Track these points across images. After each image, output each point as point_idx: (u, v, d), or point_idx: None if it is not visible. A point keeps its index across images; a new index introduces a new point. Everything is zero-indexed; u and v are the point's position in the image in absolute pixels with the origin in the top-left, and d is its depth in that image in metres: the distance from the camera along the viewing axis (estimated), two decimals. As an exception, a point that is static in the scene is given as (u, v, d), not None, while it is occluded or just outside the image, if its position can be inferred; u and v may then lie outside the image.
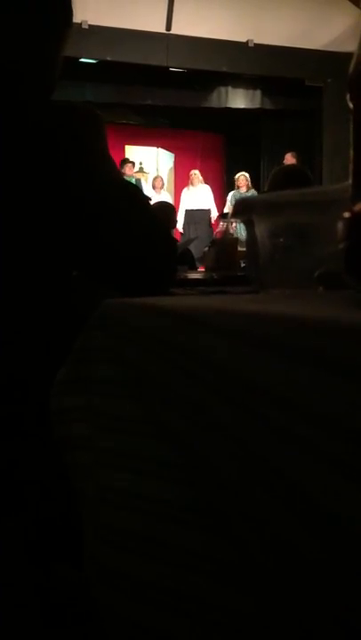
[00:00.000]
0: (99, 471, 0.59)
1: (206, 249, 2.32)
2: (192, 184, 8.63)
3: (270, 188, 2.29)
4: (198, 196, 8.59)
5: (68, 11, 0.98)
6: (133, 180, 8.11)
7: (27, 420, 0.84)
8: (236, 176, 8.42)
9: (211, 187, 8.82)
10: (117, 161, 8.29)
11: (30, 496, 0.83)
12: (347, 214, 0.50)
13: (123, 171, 8.09)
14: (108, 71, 7.58)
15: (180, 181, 9.27)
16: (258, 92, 8.49)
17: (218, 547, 0.44)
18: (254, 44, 7.64)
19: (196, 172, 8.65)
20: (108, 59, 7.35)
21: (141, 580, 0.51)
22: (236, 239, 1.96)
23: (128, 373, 0.58)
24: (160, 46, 7.36)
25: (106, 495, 0.57)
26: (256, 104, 8.57)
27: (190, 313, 0.48)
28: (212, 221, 8.49)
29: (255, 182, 8.71)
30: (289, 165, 6.47)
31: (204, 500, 0.45)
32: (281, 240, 0.73)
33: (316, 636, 0.31)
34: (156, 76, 7.77)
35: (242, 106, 8.56)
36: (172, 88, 8.14)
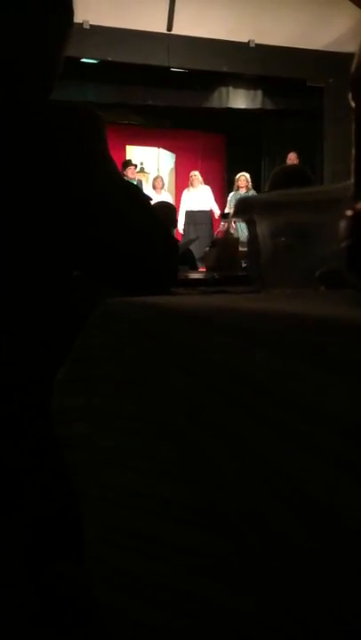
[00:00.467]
0: (99, 470, 0.59)
1: (207, 249, 2.32)
2: (192, 185, 8.63)
3: (271, 188, 2.29)
4: (199, 196, 8.59)
5: (68, 10, 0.98)
6: (135, 182, 8.11)
7: (27, 420, 0.84)
8: (237, 176, 8.42)
9: (211, 187, 8.82)
10: (119, 162, 8.30)
11: (30, 495, 0.83)
12: (348, 213, 0.50)
13: (125, 173, 8.09)
14: (109, 71, 7.58)
15: (181, 182, 9.27)
16: (259, 93, 8.49)
17: (218, 545, 0.44)
18: (255, 44, 7.63)
19: (196, 173, 8.64)
20: (110, 59, 7.35)
21: (142, 579, 0.51)
22: (237, 239, 1.96)
23: (128, 372, 0.58)
24: (161, 46, 7.36)
25: (106, 494, 0.57)
26: (257, 104, 8.57)
27: (191, 312, 0.48)
28: (213, 222, 8.49)
29: (256, 183, 8.71)
30: (290, 165, 6.48)
31: (203, 498, 0.45)
32: (282, 239, 0.73)
33: (316, 634, 0.31)
34: (158, 77, 7.77)
35: (243, 106, 8.56)
36: (173, 88, 8.14)
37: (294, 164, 7.05)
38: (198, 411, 0.44)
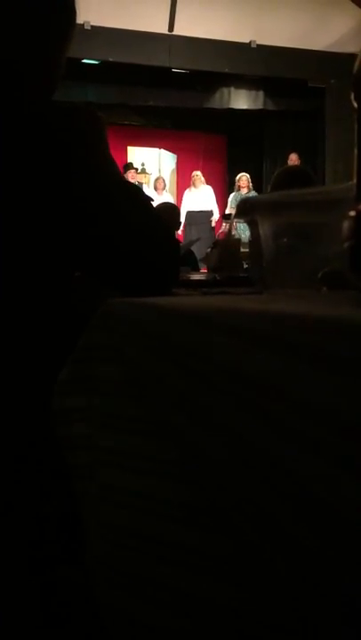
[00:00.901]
0: (99, 470, 0.59)
1: (209, 250, 2.32)
2: (194, 185, 8.62)
3: (273, 189, 2.29)
4: (200, 197, 8.59)
5: (70, 10, 0.98)
6: (136, 184, 8.12)
7: (28, 421, 0.83)
8: (238, 177, 8.41)
9: (213, 187, 8.81)
10: (120, 163, 8.30)
11: (31, 495, 0.83)
12: (350, 214, 0.50)
13: (126, 176, 8.10)
14: (110, 72, 7.58)
15: (183, 182, 9.27)
16: (260, 93, 8.49)
17: (218, 545, 0.44)
18: (257, 44, 7.63)
19: (198, 173, 8.64)
20: (111, 59, 7.35)
21: (142, 579, 0.51)
22: (239, 240, 1.96)
23: (129, 373, 0.58)
24: (162, 47, 7.36)
25: (106, 494, 0.57)
26: (259, 105, 8.56)
27: (191, 312, 0.48)
28: (214, 222, 8.48)
29: (257, 183, 8.70)
30: (292, 166, 6.47)
31: (204, 498, 0.45)
32: (284, 240, 0.73)
33: (317, 633, 0.31)
34: (159, 77, 7.77)
35: (244, 107, 8.56)
36: (174, 89, 8.14)
37: (297, 165, 7.05)
38: (199, 411, 0.44)
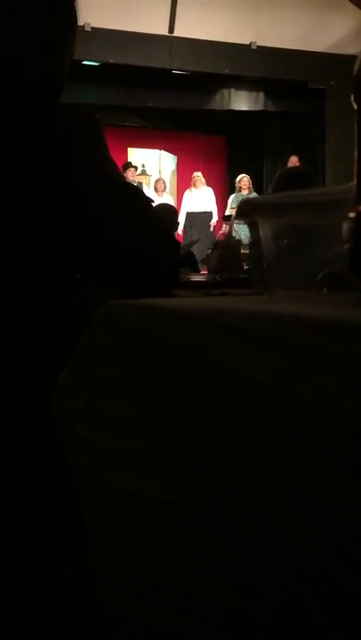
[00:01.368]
0: (100, 472, 0.59)
1: (209, 251, 2.32)
2: (195, 186, 8.62)
3: (275, 190, 2.29)
4: (200, 198, 8.59)
5: (71, 11, 0.98)
6: (136, 184, 8.13)
7: (29, 422, 0.84)
8: (238, 178, 8.41)
9: (213, 189, 8.81)
10: (120, 164, 8.30)
11: (32, 496, 0.83)
12: (351, 215, 0.50)
13: (125, 175, 8.10)
14: (110, 73, 7.58)
15: (183, 184, 9.27)
16: (261, 95, 8.49)
17: (217, 545, 0.44)
18: (257, 46, 7.63)
19: (199, 174, 8.64)
20: (111, 61, 7.36)
21: (142, 579, 0.51)
22: (239, 241, 1.96)
23: (129, 374, 0.58)
24: (163, 49, 7.36)
25: (107, 495, 0.57)
26: (259, 106, 8.57)
27: (191, 313, 0.48)
28: (214, 224, 8.49)
29: (258, 185, 8.70)
30: (293, 167, 6.48)
31: (204, 499, 0.45)
32: (284, 241, 0.73)
33: (317, 634, 0.31)
34: (159, 79, 7.77)
35: (245, 108, 8.56)
36: (174, 90, 8.14)
37: (298, 166, 7.06)
38: (199, 411, 0.44)
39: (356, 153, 0.51)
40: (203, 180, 8.62)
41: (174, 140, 9.62)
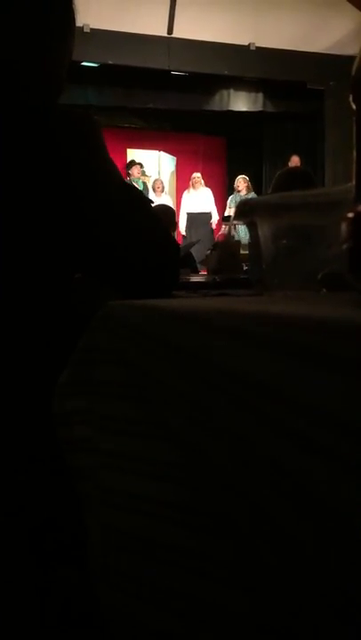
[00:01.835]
0: (100, 473, 0.59)
1: (208, 252, 2.32)
2: (193, 187, 8.63)
3: (275, 190, 2.29)
4: (199, 199, 8.60)
5: (69, 10, 0.98)
6: (140, 183, 8.14)
7: (29, 422, 0.84)
8: (236, 179, 8.43)
9: (213, 190, 8.82)
10: (122, 164, 8.31)
11: (32, 497, 0.83)
12: (349, 216, 0.50)
13: (130, 172, 8.13)
14: (109, 74, 7.58)
15: (182, 184, 9.27)
16: (260, 95, 8.50)
17: (218, 547, 0.44)
18: (256, 47, 7.64)
19: (198, 175, 8.65)
20: (110, 62, 7.36)
21: (143, 581, 0.51)
22: (239, 242, 1.96)
23: (130, 375, 0.58)
24: (162, 50, 7.37)
25: (107, 497, 0.57)
26: (258, 107, 8.57)
27: (191, 314, 0.48)
28: (214, 224, 8.49)
29: (257, 185, 8.71)
30: (293, 167, 6.48)
31: (205, 500, 0.45)
32: (284, 242, 0.73)
33: (317, 634, 0.31)
34: (158, 80, 7.77)
35: (244, 109, 8.57)
36: (173, 91, 8.14)
37: (297, 166, 7.06)
38: (199, 412, 0.44)
39: (355, 153, 0.51)
40: (202, 181, 8.63)
41: (173, 140, 9.62)
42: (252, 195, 8.10)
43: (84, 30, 6.64)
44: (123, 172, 7.17)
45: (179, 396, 0.47)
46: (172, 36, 7.35)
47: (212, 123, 9.13)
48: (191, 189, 8.67)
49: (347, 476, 0.28)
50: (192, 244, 5.09)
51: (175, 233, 6.28)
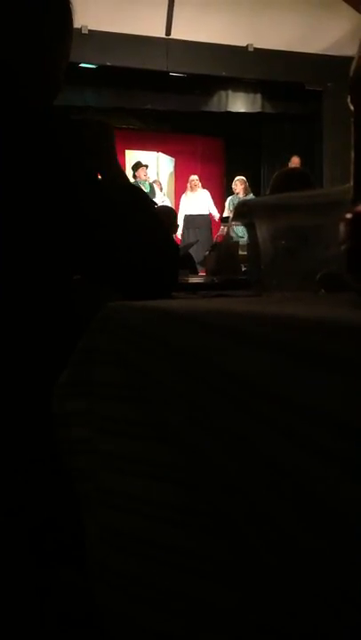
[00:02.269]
0: (99, 474, 0.59)
1: (207, 253, 2.32)
2: (191, 190, 8.64)
3: (272, 191, 2.29)
4: (198, 200, 8.60)
5: (66, 11, 0.98)
6: (147, 185, 8.15)
7: (28, 423, 0.84)
8: (234, 181, 8.44)
9: (211, 191, 8.83)
10: (124, 165, 8.31)
11: (33, 497, 0.83)
12: (348, 216, 0.50)
13: (137, 174, 8.13)
14: (107, 76, 7.58)
15: (181, 186, 9.27)
16: (258, 96, 8.50)
17: (217, 548, 0.44)
18: (254, 48, 7.65)
19: (195, 177, 8.66)
20: (108, 64, 7.36)
21: (141, 581, 0.51)
22: (237, 243, 1.96)
23: (129, 375, 0.58)
24: (160, 51, 7.37)
25: (106, 498, 0.57)
26: (256, 108, 8.58)
27: (191, 315, 0.48)
28: (212, 225, 8.49)
29: (255, 186, 8.71)
30: (291, 168, 6.48)
31: (204, 500, 0.45)
32: (282, 243, 0.73)
33: (317, 635, 0.31)
34: (156, 81, 7.78)
35: (242, 110, 8.57)
36: (172, 92, 8.14)
37: (296, 167, 7.06)
38: (199, 413, 0.44)
39: (353, 154, 0.51)
40: (199, 183, 8.64)
41: (172, 142, 9.62)
42: (251, 196, 8.10)
43: (82, 32, 6.64)
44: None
45: (178, 396, 0.47)
46: (171, 37, 7.35)
47: (211, 124, 9.13)
48: (189, 192, 8.67)
49: (345, 476, 0.28)
50: (191, 245, 5.10)
51: (175, 235, 6.28)
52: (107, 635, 0.56)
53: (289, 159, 8.17)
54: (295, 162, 8.08)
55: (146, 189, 7.95)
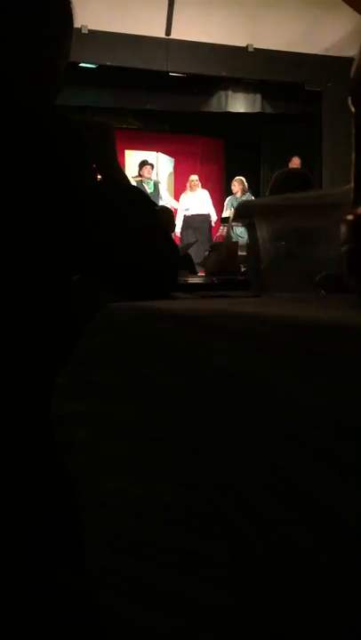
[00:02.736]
0: (99, 475, 0.59)
1: (206, 253, 2.32)
2: (191, 189, 8.65)
3: (271, 192, 2.29)
4: (197, 200, 8.61)
5: (65, 11, 0.98)
6: (151, 184, 8.15)
7: (28, 424, 0.84)
8: (232, 181, 8.44)
9: (211, 191, 8.83)
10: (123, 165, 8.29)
11: (32, 497, 0.83)
12: (348, 218, 0.50)
13: (142, 173, 8.13)
14: (107, 76, 7.58)
15: (180, 186, 9.28)
16: (258, 97, 8.50)
17: (217, 549, 0.44)
18: (254, 48, 7.65)
19: (195, 177, 8.67)
20: (108, 63, 7.36)
21: (141, 582, 0.51)
22: (237, 243, 1.96)
23: (128, 376, 0.58)
24: (160, 51, 7.37)
25: (106, 498, 0.57)
26: (256, 108, 8.58)
27: (190, 316, 0.48)
28: (212, 226, 8.50)
29: (255, 186, 8.71)
30: (291, 168, 6.48)
31: (204, 501, 0.45)
32: (282, 243, 0.73)
33: (317, 637, 0.31)
34: (156, 81, 7.77)
35: (242, 110, 8.57)
36: (171, 93, 8.14)
37: (296, 168, 7.07)
38: (198, 414, 0.44)
39: (353, 155, 0.51)
40: (199, 183, 8.65)
41: (171, 142, 9.63)
42: (249, 196, 8.11)
43: (82, 32, 6.64)
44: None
45: (178, 397, 0.47)
46: (171, 37, 7.35)
47: (211, 124, 9.14)
48: (188, 191, 8.68)
49: (345, 477, 0.28)
50: (190, 245, 5.10)
51: (173, 234, 6.28)
52: (106, 635, 0.56)
53: (289, 159, 8.17)
54: (295, 162, 8.08)
55: (150, 188, 7.96)
